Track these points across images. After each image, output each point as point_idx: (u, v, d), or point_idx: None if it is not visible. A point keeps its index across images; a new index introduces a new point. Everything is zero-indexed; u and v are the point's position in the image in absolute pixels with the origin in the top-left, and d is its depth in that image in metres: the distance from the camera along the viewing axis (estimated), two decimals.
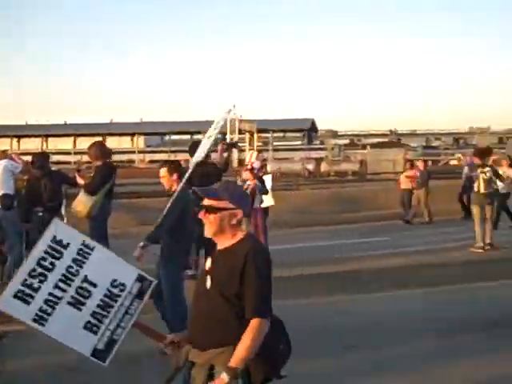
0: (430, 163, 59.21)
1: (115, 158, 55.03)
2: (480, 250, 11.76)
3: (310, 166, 44.81)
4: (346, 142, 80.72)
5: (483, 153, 12.94)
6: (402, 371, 5.68)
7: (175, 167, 6.78)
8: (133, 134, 70.50)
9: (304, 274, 10.12)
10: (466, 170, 17.06)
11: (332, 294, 8.76)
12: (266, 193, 11.91)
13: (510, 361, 5.79)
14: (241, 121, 50.44)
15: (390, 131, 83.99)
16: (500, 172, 13.64)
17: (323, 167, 45.17)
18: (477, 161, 12.87)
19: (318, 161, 48.15)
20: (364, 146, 66.23)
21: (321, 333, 6.80)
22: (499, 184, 13.43)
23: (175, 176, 6.59)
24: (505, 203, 15.09)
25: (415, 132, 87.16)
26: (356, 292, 8.90)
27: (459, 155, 30.31)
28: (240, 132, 50.36)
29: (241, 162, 37.01)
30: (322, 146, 71.62)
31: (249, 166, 11.72)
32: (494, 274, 9.72)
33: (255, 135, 52.95)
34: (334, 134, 79.21)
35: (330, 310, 7.93)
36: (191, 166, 7.29)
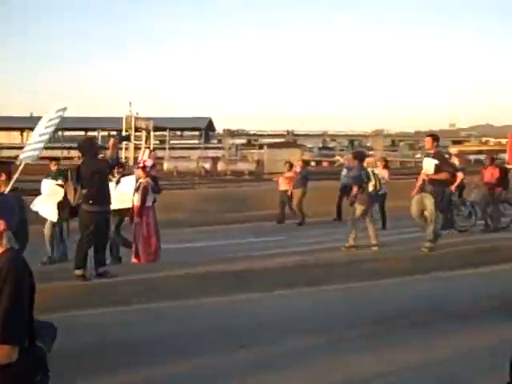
0: (325, 164, 60.68)
1: (4, 153, 53.11)
2: (353, 249, 11.97)
3: (207, 165, 44.82)
4: (244, 141, 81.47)
5: (360, 156, 13.26)
6: (288, 370, 5.68)
7: (2, 168, 6.48)
8: (22, 129, 67.89)
9: (197, 273, 10.01)
10: (344, 172, 17.34)
11: (225, 294, 8.69)
12: (159, 191, 11.72)
13: (388, 358, 5.91)
14: (137, 118, 49.73)
15: (287, 132, 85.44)
16: (376, 172, 14.51)
17: (220, 166, 45.28)
18: (353, 163, 13.19)
19: (215, 160, 48.27)
20: (261, 146, 67.05)
21: (215, 332, 6.78)
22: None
23: (3, 177, 6.30)
24: (383, 204, 15.59)
25: (312, 133, 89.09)
26: (248, 291, 8.86)
27: (338, 157, 31.06)
28: (136, 130, 49.65)
29: (136, 160, 36.48)
30: (219, 146, 71.92)
31: (141, 164, 11.47)
32: (377, 273, 9.96)
33: (151, 133, 52.35)
34: (232, 134, 79.49)
35: (223, 310, 7.91)
36: (21, 166, 7.04)
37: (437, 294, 8.53)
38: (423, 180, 11.62)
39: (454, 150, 72.85)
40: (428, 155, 11.89)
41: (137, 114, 50.96)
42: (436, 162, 11.45)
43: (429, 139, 11.88)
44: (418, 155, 72.17)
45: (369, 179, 12.37)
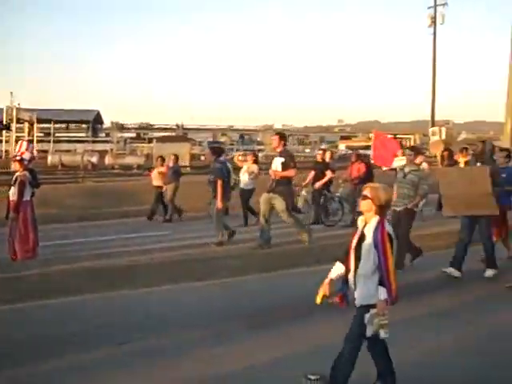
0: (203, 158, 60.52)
1: None
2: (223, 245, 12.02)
3: (94, 159, 43.67)
4: (133, 135, 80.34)
5: (217, 151, 13.30)
6: (170, 364, 5.74)
7: None
8: None
9: (79, 269, 9.84)
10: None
11: (112, 289, 8.58)
12: (38, 186, 11.31)
13: (268, 350, 6.08)
14: (19, 109, 47.77)
15: (177, 125, 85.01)
16: (245, 167, 15.55)
17: (108, 160, 44.30)
18: (212, 158, 13.24)
19: (103, 153, 47.21)
20: (150, 140, 66.35)
21: (101, 329, 6.74)
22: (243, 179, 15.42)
23: None
24: (248, 199, 15.70)
25: (202, 127, 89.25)
26: (135, 287, 8.77)
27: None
28: (18, 121, 47.75)
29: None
30: (107, 139, 70.51)
31: (18, 157, 11.02)
32: (250, 268, 10.05)
33: (35, 125, 50.58)
34: (120, 127, 78.13)
35: (109, 306, 7.83)
36: None
37: (305, 289, 8.75)
38: (272, 179, 11.82)
39: (342, 145, 75.25)
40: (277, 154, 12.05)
41: (18, 104, 49.10)
42: (282, 160, 11.71)
43: (276, 138, 11.95)
44: (308, 150, 74.08)
45: (229, 174, 12.66)
